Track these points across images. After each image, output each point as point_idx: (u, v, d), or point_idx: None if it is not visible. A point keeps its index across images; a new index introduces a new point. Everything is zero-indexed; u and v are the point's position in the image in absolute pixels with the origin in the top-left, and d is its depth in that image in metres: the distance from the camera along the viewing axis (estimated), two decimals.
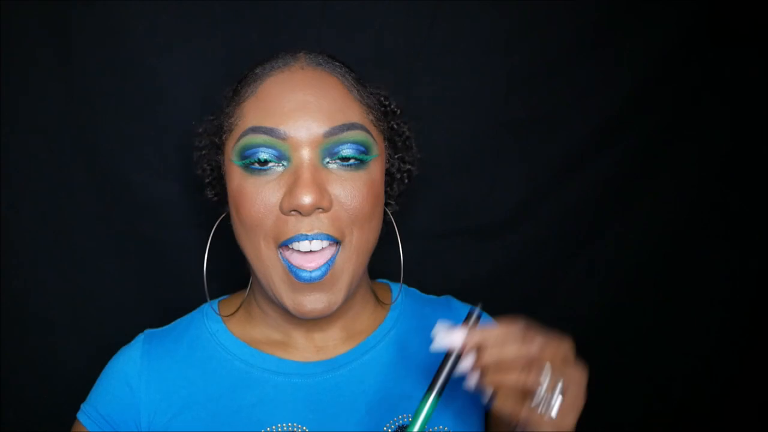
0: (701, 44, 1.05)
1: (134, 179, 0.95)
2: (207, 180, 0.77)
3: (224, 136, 0.67)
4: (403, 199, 0.79)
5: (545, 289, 1.13)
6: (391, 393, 0.72)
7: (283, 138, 0.62)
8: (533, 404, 0.50)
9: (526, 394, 0.51)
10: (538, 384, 0.50)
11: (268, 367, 0.71)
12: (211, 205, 0.79)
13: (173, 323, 0.78)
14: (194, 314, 0.78)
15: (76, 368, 0.92)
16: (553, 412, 0.50)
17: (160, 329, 0.77)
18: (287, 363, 0.71)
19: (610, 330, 1.10)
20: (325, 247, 0.64)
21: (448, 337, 0.52)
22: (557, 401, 0.50)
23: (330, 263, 0.64)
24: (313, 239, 0.63)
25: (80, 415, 0.72)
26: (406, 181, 0.77)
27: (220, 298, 0.80)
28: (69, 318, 0.97)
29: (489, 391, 0.52)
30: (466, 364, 0.53)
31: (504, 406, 0.52)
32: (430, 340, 0.73)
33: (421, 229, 1.04)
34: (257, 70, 0.67)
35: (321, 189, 0.61)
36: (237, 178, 0.65)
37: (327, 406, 0.69)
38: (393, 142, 0.74)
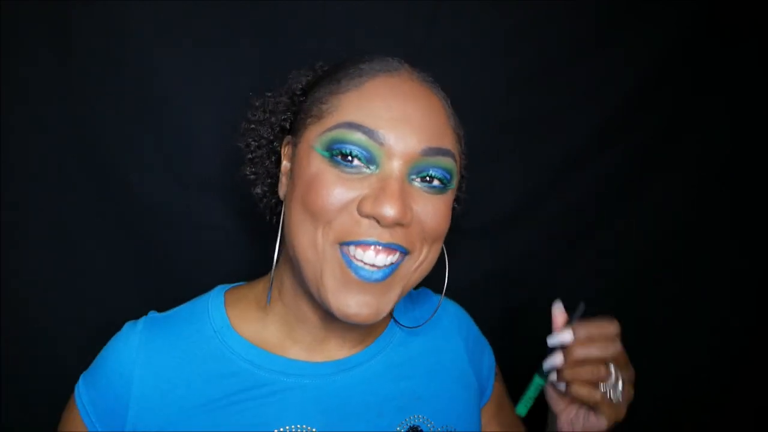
0: (701, 44, 1.05)
1: (134, 179, 0.95)
2: (249, 156, 0.74)
3: (308, 119, 0.64)
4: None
5: (545, 289, 1.13)
6: (401, 394, 0.72)
7: (380, 143, 0.59)
8: (603, 390, 0.66)
9: (595, 384, 0.65)
10: (609, 376, 0.65)
11: (276, 368, 0.69)
12: (243, 184, 0.77)
13: (176, 309, 0.75)
14: (198, 303, 0.75)
15: (76, 368, 0.92)
16: (618, 397, 0.66)
17: (163, 315, 0.74)
18: (297, 364, 0.70)
19: None
20: (393, 255, 0.62)
21: (561, 335, 0.67)
22: (620, 390, 0.66)
23: (394, 267, 0.63)
24: (385, 246, 0.61)
25: (76, 396, 0.71)
26: (455, 205, 0.74)
27: (228, 287, 0.77)
28: (69, 317, 0.96)
29: (565, 383, 0.67)
30: (558, 360, 0.66)
31: (579, 391, 0.65)
32: (429, 341, 0.80)
33: None
34: (362, 66, 0.64)
35: (406, 204, 0.60)
36: (316, 165, 0.61)
37: (337, 408, 0.68)
38: (461, 176, 0.73)
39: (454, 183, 0.65)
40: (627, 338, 1.09)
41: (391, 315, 0.79)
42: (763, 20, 1.04)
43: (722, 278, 1.15)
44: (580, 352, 0.65)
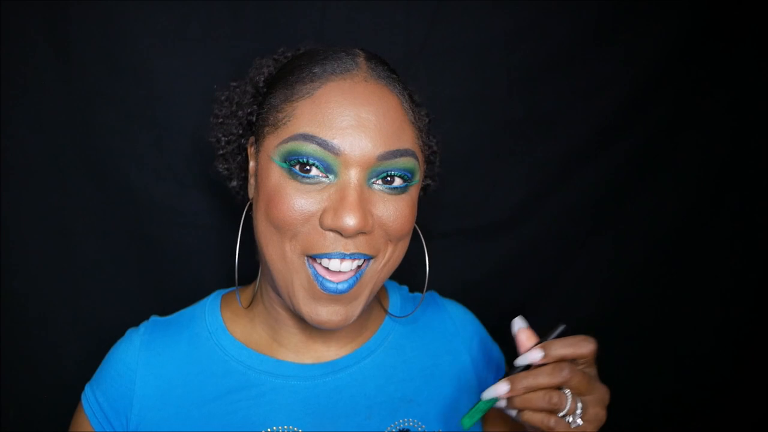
0: (701, 44, 1.05)
1: (134, 179, 0.95)
2: (220, 152, 0.74)
3: (266, 128, 0.64)
4: None
5: (545, 289, 1.13)
6: (392, 397, 0.71)
7: (336, 153, 0.59)
8: (560, 416, 0.57)
9: (551, 410, 0.57)
10: (563, 403, 0.56)
11: (266, 368, 0.70)
12: (218, 179, 0.77)
13: (178, 313, 0.77)
14: (197, 308, 0.77)
15: (76, 368, 0.92)
16: (578, 422, 0.57)
17: (165, 319, 0.76)
18: (286, 365, 0.71)
19: (611, 329, 1.10)
20: (358, 260, 0.63)
21: (530, 355, 0.57)
22: (579, 415, 0.57)
23: (358, 276, 0.63)
24: (349, 258, 0.61)
25: (83, 399, 0.72)
26: (422, 194, 0.75)
27: (225, 291, 0.78)
28: (69, 318, 0.97)
29: (516, 410, 0.58)
30: (501, 389, 0.57)
31: (531, 418, 0.57)
32: (426, 345, 0.79)
33: (420, 229, 1.04)
34: (315, 69, 0.63)
35: (366, 213, 0.60)
36: (276, 177, 0.61)
37: (326, 410, 0.69)
38: (427, 160, 0.72)
39: (417, 178, 0.64)
40: (626, 338, 1.10)
41: (385, 311, 0.78)
42: (763, 20, 1.05)
43: (723, 278, 1.15)
44: (526, 382, 0.56)
